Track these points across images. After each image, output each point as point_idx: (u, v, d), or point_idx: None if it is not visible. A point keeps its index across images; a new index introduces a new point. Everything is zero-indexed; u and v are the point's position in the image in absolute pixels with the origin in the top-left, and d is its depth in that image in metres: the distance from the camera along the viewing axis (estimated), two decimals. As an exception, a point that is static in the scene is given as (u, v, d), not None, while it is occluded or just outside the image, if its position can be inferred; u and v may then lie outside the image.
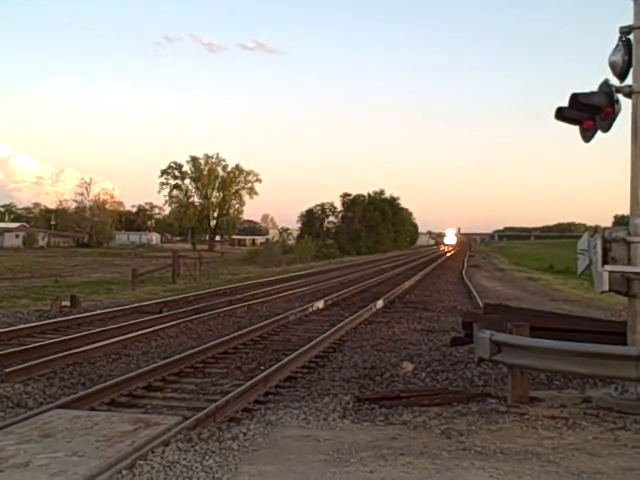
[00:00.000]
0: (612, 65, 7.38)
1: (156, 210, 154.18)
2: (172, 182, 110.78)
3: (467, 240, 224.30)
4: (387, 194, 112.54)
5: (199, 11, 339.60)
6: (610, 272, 7.16)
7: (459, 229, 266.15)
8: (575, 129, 7.79)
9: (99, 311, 17.37)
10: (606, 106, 7.26)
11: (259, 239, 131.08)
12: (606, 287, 7.22)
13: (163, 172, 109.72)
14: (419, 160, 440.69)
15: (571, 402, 7.52)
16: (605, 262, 7.22)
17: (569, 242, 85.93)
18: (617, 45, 7.34)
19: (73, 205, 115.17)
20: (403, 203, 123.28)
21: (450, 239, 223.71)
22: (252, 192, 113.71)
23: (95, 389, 8.38)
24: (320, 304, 19.73)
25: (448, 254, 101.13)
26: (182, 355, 10.88)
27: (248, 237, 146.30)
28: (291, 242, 78.86)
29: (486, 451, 5.62)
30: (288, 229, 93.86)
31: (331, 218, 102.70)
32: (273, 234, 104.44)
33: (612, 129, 7.39)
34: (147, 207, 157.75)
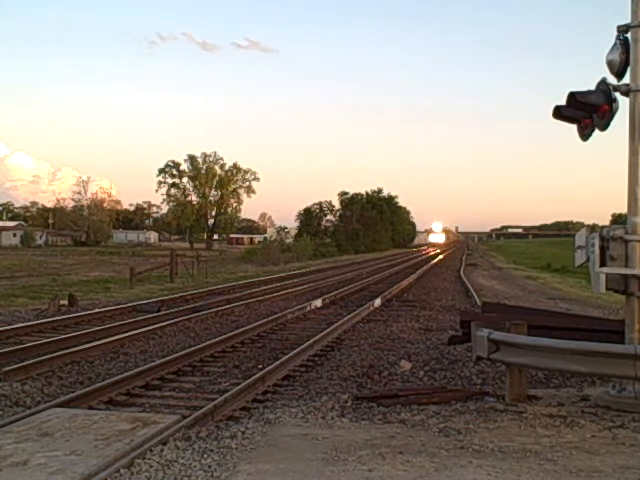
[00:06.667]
0: (610, 64, 7.39)
1: (154, 209, 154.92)
2: (170, 181, 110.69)
3: (465, 239, 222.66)
4: (385, 193, 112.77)
5: (191, 10, 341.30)
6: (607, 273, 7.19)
7: (457, 228, 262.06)
8: (573, 127, 7.80)
9: (97, 310, 17.34)
10: (604, 104, 7.26)
11: (257, 238, 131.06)
12: (603, 289, 7.25)
13: (161, 171, 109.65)
14: (417, 159, 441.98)
15: (569, 400, 7.53)
16: (603, 261, 7.23)
17: (567, 241, 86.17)
18: (615, 44, 7.35)
19: (71, 204, 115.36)
20: (401, 202, 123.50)
21: (438, 237, 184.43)
22: (250, 191, 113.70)
23: (93, 388, 8.37)
24: (318, 303, 19.71)
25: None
26: (180, 354, 10.87)
27: (246, 236, 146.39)
28: (289, 241, 78.75)
29: (484, 449, 5.62)
30: (286, 228, 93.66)
31: (329, 217, 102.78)
32: (271, 233, 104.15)
33: (610, 127, 7.40)
34: (145, 206, 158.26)
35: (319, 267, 46.64)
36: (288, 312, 16.95)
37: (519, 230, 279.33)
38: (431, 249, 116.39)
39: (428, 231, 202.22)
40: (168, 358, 10.48)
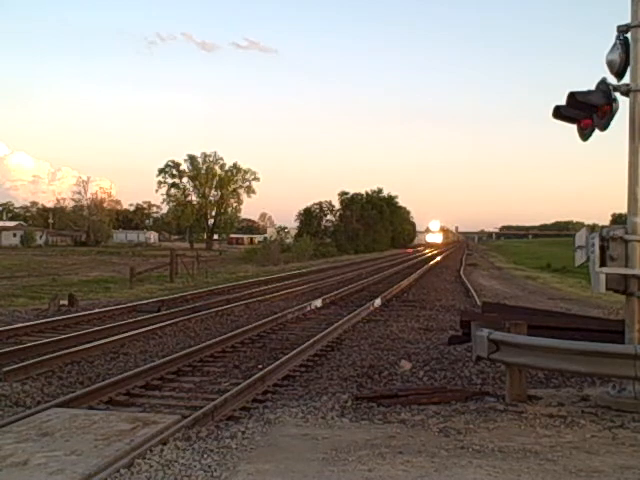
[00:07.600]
0: (610, 64, 7.39)
1: (154, 209, 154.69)
2: (170, 181, 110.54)
3: (465, 238, 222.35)
4: (385, 193, 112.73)
5: (191, 10, 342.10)
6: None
7: (456, 228, 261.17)
8: (573, 127, 7.80)
9: (97, 310, 17.34)
10: (604, 104, 7.26)
11: (257, 238, 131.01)
12: (603, 289, 7.25)
13: (161, 171, 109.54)
14: (417, 159, 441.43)
15: (569, 400, 7.53)
16: (603, 261, 7.23)
17: (567, 240, 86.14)
18: (615, 44, 7.35)
19: (71, 204, 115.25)
20: (401, 202, 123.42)
21: (435, 236, 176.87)
22: (250, 191, 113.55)
23: (93, 388, 8.37)
24: (318, 303, 19.71)
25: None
26: (180, 354, 10.87)
27: (246, 236, 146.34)
28: (289, 241, 78.77)
29: (484, 449, 5.62)
30: (286, 228, 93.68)
31: (329, 217, 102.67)
32: (271, 233, 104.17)
33: (610, 127, 7.40)
34: (145, 206, 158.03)
35: (319, 267, 46.63)
36: (288, 312, 16.95)
37: (519, 230, 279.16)
38: (428, 249, 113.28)
39: (427, 231, 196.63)
40: (168, 358, 10.48)
